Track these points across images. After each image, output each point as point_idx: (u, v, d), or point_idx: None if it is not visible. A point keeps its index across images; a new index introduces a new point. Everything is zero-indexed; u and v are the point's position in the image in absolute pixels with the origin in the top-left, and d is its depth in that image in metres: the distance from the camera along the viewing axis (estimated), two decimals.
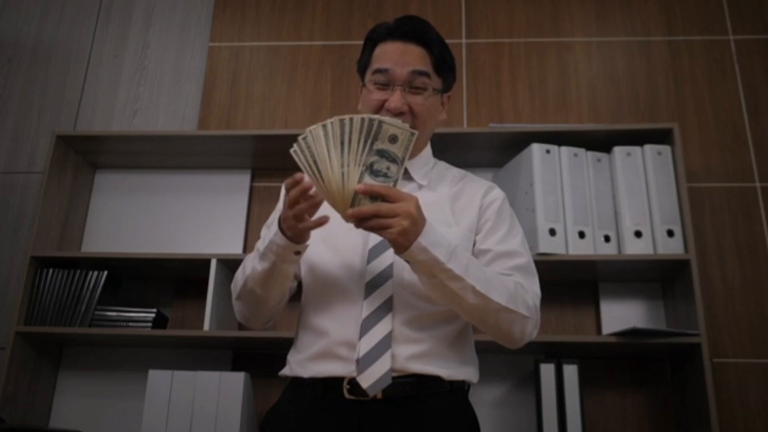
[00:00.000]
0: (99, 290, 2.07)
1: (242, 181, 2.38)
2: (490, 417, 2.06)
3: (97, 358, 2.20)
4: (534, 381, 1.97)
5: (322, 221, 1.12)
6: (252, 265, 1.22)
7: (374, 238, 1.23)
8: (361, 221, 1.08)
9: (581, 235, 2.02)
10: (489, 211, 1.33)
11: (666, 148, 2.09)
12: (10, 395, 1.98)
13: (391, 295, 1.21)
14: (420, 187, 1.35)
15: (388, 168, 1.09)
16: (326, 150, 1.07)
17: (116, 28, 2.67)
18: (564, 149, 2.09)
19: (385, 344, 1.17)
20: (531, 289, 1.26)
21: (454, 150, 2.19)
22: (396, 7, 2.60)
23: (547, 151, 2.08)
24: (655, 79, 2.44)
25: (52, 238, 2.18)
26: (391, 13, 2.54)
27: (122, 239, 2.32)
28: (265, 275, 1.20)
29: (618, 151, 2.10)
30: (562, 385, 1.90)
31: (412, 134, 1.10)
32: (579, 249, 2.00)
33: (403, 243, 1.09)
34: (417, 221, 1.10)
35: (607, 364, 2.10)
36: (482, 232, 1.31)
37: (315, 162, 1.08)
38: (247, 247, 2.29)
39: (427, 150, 1.41)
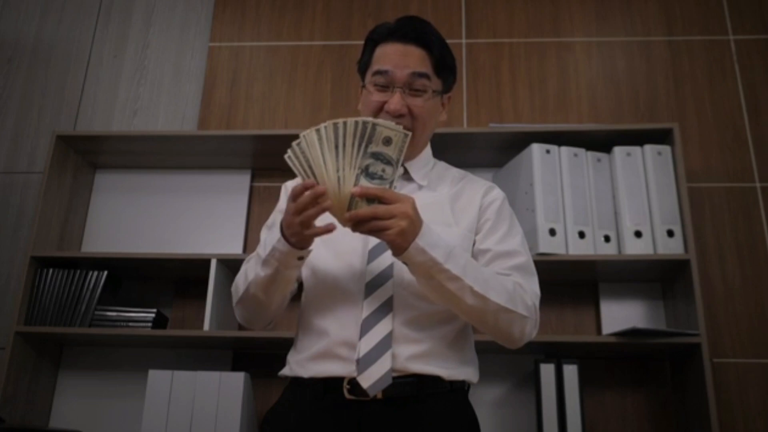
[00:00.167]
0: (99, 290, 2.07)
1: (242, 181, 2.38)
2: (490, 417, 2.06)
3: (97, 358, 2.20)
4: (534, 381, 1.97)
5: (330, 229, 1.11)
6: (254, 272, 1.22)
7: (374, 239, 1.23)
8: (359, 224, 1.08)
9: (581, 235, 2.02)
10: (489, 211, 1.33)
11: (666, 148, 2.09)
12: (10, 395, 1.98)
13: (391, 295, 1.21)
14: (420, 187, 1.35)
15: (383, 170, 1.09)
16: (321, 154, 1.07)
17: (116, 28, 2.67)
18: (564, 149, 2.09)
19: (385, 344, 1.17)
20: (530, 288, 1.26)
21: (454, 150, 2.19)
22: (396, 7, 2.60)
23: (547, 151, 2.08)
24: (655, 79, 2.44)
25: (52, 238, 2.18)
26: (391, 13, 2.54)
27: (122, 239, 2.32)
28: (268, 281, 1.20)
29: (618, 151, 2.10)
30: (562, 385, 1.90)
31: (406, 135, 1.10)
32: (579, 249, 2.00)
33: (401, 244, 1.09)
34: (414, 222, 1.10)
35: (607, 364, 2.10)
36: (482, 232, 1.31)
37: (310, 167, 1.08)
38: (247, 247, 2.29)
39: (427, 150, 1.41)
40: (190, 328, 2.18)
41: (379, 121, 1.10)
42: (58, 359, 2.20)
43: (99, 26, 2.68)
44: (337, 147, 1.08)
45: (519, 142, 2.14)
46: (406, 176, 1.36)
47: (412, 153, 1.36)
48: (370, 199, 1.08)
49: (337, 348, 1.19)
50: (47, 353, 2.15)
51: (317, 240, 1.17)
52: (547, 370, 1.92)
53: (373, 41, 1.35)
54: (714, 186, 2.29)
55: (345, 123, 1.09)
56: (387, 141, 1.09)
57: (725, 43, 2.47)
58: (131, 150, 2.31)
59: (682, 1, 2.55)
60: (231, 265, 2.10)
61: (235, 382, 1.89)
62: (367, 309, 1.20)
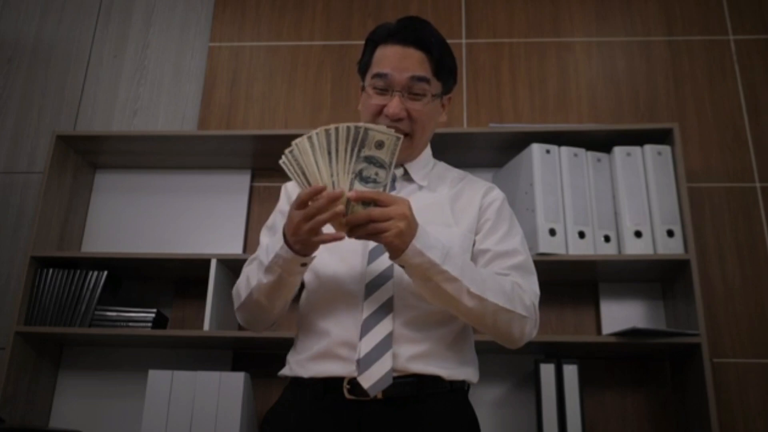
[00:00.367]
0: (99, 290, 2.07)
1: (242, 181, 2.38)
2: (490, 417, 2.06)
3: (97, 358, 2.20)
4: (534, 381, 1.97)
5: (339, 237, 1.10)
6: (257, 278, 1.22)
7: None
8: (356, 229, 1.08)
9: (581, 235, 2.02)
10: (489, 211, 1.33)
11: (666, 148, 2.09)
12: (10, 395, 1.98)
13: (391, 295, 1.21)
14: (420, 188, 1.35)
15: (376, 174, 1.09)
16: (314, 161, 1.08)
17: (116, 28, 2.67)
18: (564, 149, 2.09)
19: (385, 344, 1.17)
20: (529, 288, 1.26)
21: (454, 150, 2.19)
22: (396, 7, 2.60)
23: (547, 151, 2.08)
24: (655, 79, 2.44)
25: (52, 238, 2.18)
26: (391, 13, 2.54)
27: (122, 239, 2.32)
28: (271, 288, 1.20)
29: (618, 151, 2.10)
30: (562, 385, 1.90)
31: (398, 139, 1.10)
32: (579, 249, 2.00)
33: (399, 245, 1.09)
34: (411, 223, 1.10)
35: (607, 364, 2.10)
36: (482, 232, 1.31)
37: (304, 173, 1.08)
38: (247, 247, 2.29)
39: (427, 151, 1.41)
40: (190, 328, 2.18)
41: (371, 125, 1.10)
42: (58, 359, 2.20)
43: (99, 26, 2.68)
44: (330, 153, 1.08)
45: (519, 142, 2.14)
46: (407, 177, 1.36)
47: (412, 155, 1.36)
48: (366, 203, 1.08)
49: (338, 348, 1.19)
50: (47, 353, 2.15)
51: None
52: (547, 370, 1.92)
53: (373, 42, 1.35)
54: (714, 186, 2.29)
55: (337, 129, 1.09)
56: (379, 145, 1.09)
57: (725, 43, 2.47)
58: (131, 150, 2.31)
59: (682, 1, 2.55)
60: (231, 265, 2.10)
61: (235, 382, 1.89)
62: (367, 309, 1.20)
